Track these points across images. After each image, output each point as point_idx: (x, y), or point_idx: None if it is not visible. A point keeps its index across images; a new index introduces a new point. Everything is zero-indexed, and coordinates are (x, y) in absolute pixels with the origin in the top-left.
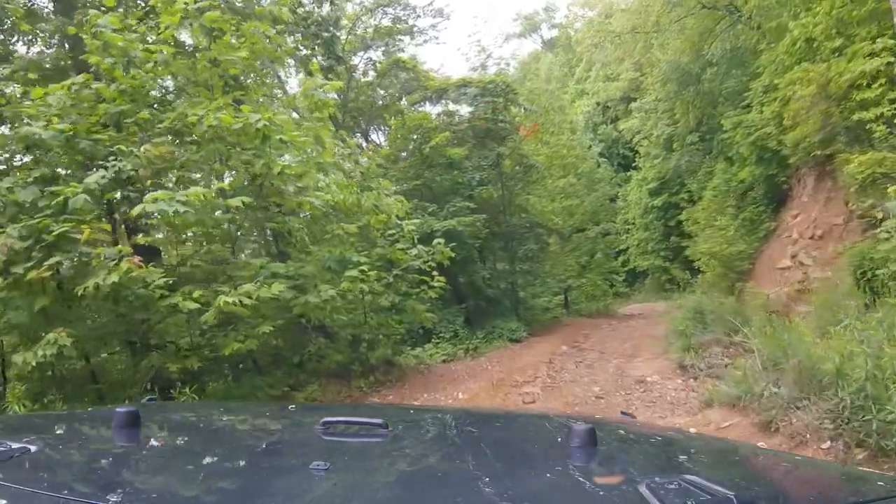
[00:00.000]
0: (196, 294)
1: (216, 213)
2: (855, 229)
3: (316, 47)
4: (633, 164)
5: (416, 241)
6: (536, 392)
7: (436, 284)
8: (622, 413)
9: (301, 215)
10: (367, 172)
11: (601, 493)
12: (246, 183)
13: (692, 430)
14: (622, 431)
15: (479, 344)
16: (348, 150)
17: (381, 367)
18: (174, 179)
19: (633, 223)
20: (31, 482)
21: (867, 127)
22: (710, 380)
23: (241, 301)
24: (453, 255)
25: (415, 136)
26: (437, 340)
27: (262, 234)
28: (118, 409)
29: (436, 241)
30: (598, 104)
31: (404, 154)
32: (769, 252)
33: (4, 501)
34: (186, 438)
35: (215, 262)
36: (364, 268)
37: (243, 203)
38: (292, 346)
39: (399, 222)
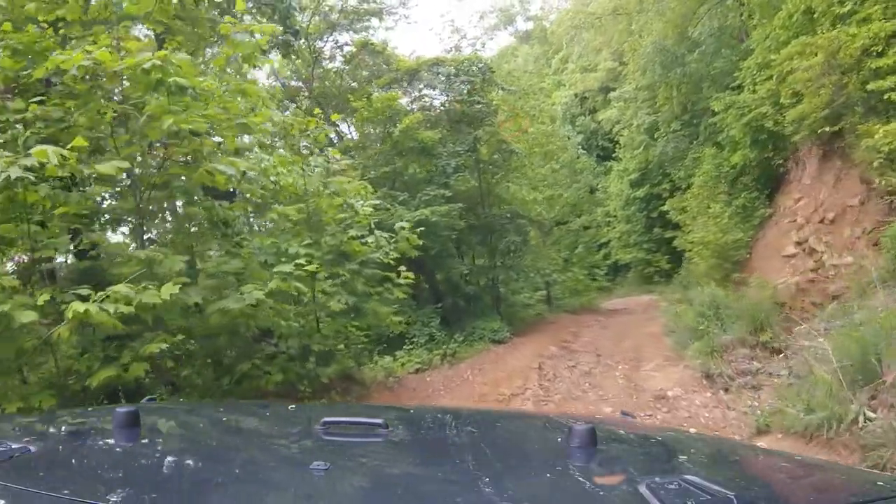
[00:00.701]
0: (40, 299)
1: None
2: (873, 210)
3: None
4: (614, 156)
5: (372, 227)
6: (529, 409)
7: (402, 282)
8: (622, 413)
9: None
10: (313, 144)
11: (601, 493)
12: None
13: (692, 430)
14: (622, 431)
15: (458, 348)
16: (304, 127)
17: (339, 383)
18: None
19: (615, 215)
20: (31, 482)
21: (885, 97)
22: (747, 392)
23: (115, 308)
24: (421, 243)
25: (384, 120)
26: (410, 346)
27: (181, 221)
28: (118, 409)
29: (398, 224)
30: (575, 95)
31: (372, 139)
32: (766, 240)
33: (4, 501)
34: (186, 438)
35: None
36: (302, 261)
37: (126, 173)
38: (239, 360)
39: (352, 203)
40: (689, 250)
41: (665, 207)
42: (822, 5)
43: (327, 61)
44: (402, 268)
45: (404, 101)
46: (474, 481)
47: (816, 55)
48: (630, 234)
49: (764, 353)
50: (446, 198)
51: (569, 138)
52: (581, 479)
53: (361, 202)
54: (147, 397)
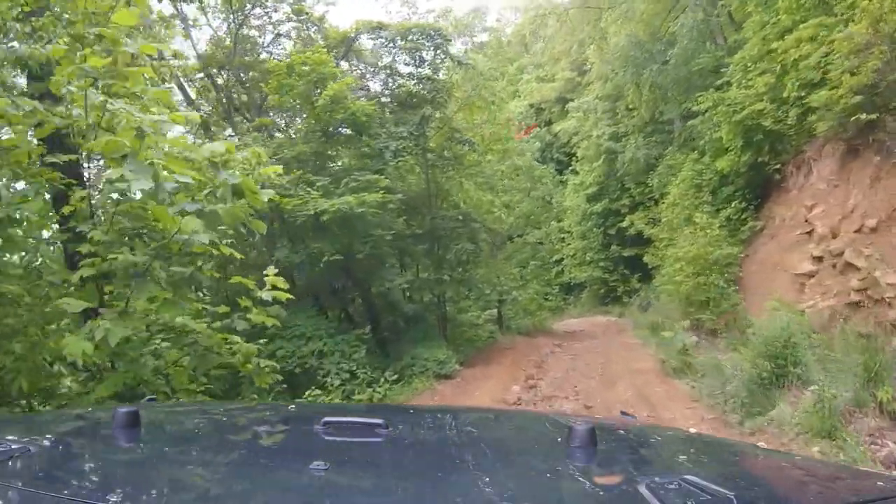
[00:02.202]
0: None
1: None
2: None
3: None
4: (570, 168)
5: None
6: None
7: (266, 294)
8: (622, 413)
9: None
10: None
11: (601, 493)
12: None
13: (692, 430)
14: (622, 431)
15: (390, 390)
16: None
17: None
18: None
19: (569, 231)
20: (31, 482)
21: None
22: None
23: None
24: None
25: (308, 88)
26: (319, 392)
27: None
28: (118, 409)
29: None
30: (531, 106)
31: (293, 115)
32: (760, 255)
33: (4, 501)
34: (186, 438)
35: None
36: None
37: None
38: None
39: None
40: (665, 267)
41: (624, 223)
42: None
43: (255, 31)
44: (272, 270)
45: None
46: (474, 481)
47: (860, 22)
48: (586, 252)
49: (890, 424)
50: (382, 187)
51: (527, 142)
52: (581, 479)
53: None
54: (147, 397)
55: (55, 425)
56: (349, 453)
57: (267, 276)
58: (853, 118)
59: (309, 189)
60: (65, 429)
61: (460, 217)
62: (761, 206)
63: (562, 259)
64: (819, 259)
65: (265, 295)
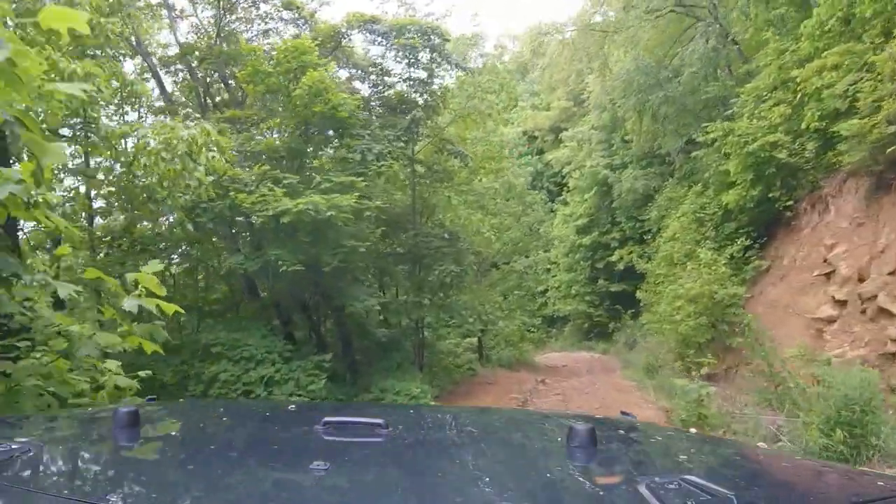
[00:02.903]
0: None
1: None
2: None
3: None
4: (559, 198)
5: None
6: None
7: (130, 305)
8: (622, 413)
9: None
10: None
11: (601, 493)
12: None
13: (692, 430)
14: (622, 431)
15: None
16: None
17: None
18: None
19: (556, 262)
20: (31, 482)
21: None
22: None
23: None
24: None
25: (287, 79)
26: None
27: None
28: (118, 409)
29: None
30: (524, 133)
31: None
32: (768, 297)
33: (4, 501)
34: (186, 438)
35: None
36: None
37: None
38: None
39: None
40: (661, 304)
41: (614, 258)
42: (869, 8)
43: (241, 24)
44: (152, 266)
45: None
46: (474, 481)
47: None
48: (571, 284)
49: None
50: (358, 190)
51: (520, 167)
52: (581, 479)
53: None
54: (147, 397)
55: (55, 425)
56: (349, 453)
57: (145, 272)
58: (889, 150)
59: (273, 187)
60: (65, 429)
61: (446, 236)
62: (767, 244)
63: (546, 290)
64: (842, 303)
65: (127, 304)
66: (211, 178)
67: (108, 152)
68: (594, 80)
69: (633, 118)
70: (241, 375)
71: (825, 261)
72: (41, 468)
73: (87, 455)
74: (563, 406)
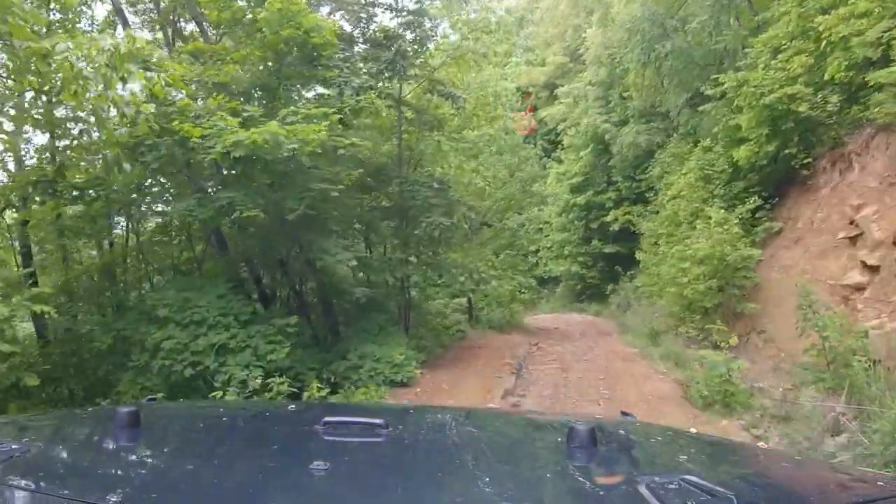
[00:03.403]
0: None
1: None
2: None
3: None
4: (553, 156)
5: None
6: None
7: None
8: (622, 413)
9: None
10: None
11: (601, 493)
12: None
13: (692, 430)
14: (622, 431)
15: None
16: None
17: None
18: None
19: (549, 222)
20: (31, 482)
21: None
22: None
23: None
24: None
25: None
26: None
27: None
28: (118, 409)
29: None
30: (518, 89)
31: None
32: (784, 261)
33: (4, 501)
34: (186, 438)
35: None
36: None
37: None
38: None
39: None
40: (663, 266)
41: (608, 218)
42: None
43: None
44: None
45: None
46: (474, 481)
47: None
48: (564, 245)
49: None
50: (331, 123)
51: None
52: (581, 479)
53: None
54: (147, 397)
55: (55, 425)
56: (349, 453)
57: None
58: None
59: (225, 116)
60: (65, 429)
61: (435, 185)
62: (778, 205)
63: (538, 250)
64: (874, 269)
65: None
66: (153, 108)
67: (32, 79)
68: (592, 33)
69: (636, 71)
70: (189, 343)
71: (852, 222)
72: (41, 468)
73: (87, 455)
74: (562, 375)
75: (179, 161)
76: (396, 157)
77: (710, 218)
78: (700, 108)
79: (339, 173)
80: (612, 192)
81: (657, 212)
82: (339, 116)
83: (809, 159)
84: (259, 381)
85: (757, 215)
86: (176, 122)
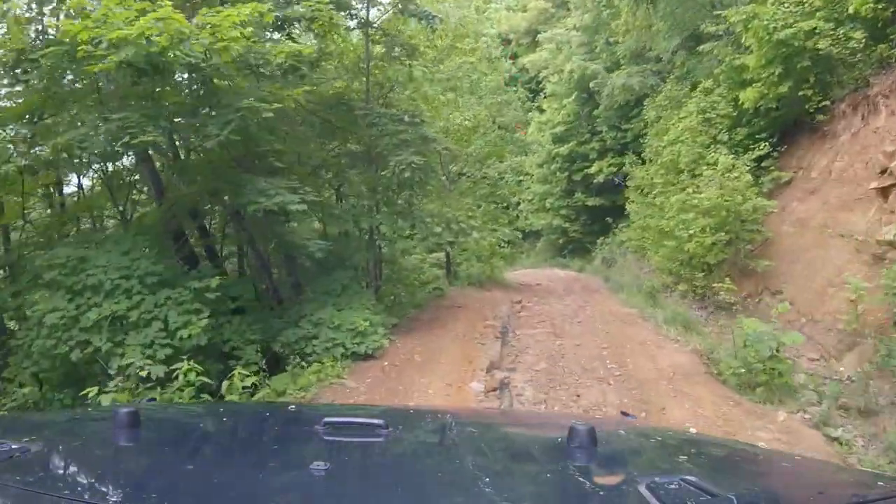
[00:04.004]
0: None
1: None
2: None
3: None
4: (536, 105)
5: None
6: None
7: None
8: (622, 413)
9: None
10: None
11: (601, 493)
12: None
13: (692, 430)
14: (622, 431)
15: (266, 384)
16: None
17: None
18: None
19: (530, 174)
20: (31, 482)
21: None
22: None
23: None
24: None
25: None
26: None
27: None
28: (118, 409)
29: None
30: (498, 35)
31: None
32: (799, 214)
33: (4, 501)
34: (186, 438)
35: None
36: None
37: None
38: None
39: None
40: (660, 219)
41: (592, 169)
42: None
43: None
44: None
45: None
46: (474, 481)
47: None
48: (545, 197)
49: None
50: (265, 19)
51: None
52: (581, 479)
53: None
54: (147, 398)
55: (55, 425)
56: (349, 453)
57: None
58: None
59: (113, 9)
60: (65, 429)
61: (406, 118)
62: (786, 154)
63: (518, 203)
64: None
65: None
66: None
67: None
68: None
69: (629, 9)
70: (79, 316)
71: (884, 172)
72: (41, 468)
73: (86, 455)
74: (555, 341)
75: (75, 76)
76: (365, 92)
77: (715, 164)
78: (699, 48)
79: (281, 92)
80: (597, 143)
81: (650, 160)
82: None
83: (827, 102)
84: (163, 367)
85: (763, 164)
86: (62, 23)
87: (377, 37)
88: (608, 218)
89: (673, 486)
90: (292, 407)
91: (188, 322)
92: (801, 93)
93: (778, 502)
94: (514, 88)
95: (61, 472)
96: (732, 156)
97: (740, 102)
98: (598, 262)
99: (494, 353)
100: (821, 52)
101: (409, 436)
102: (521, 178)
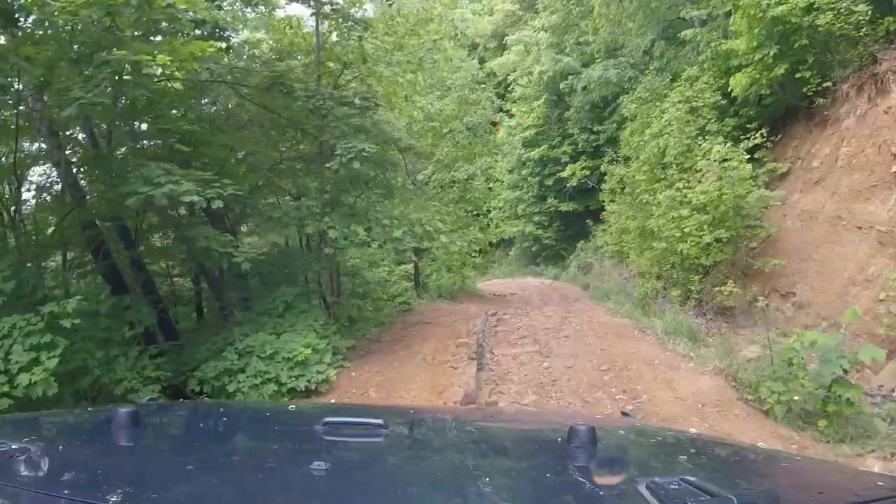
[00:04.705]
0: None
1: None
2: None
3: None
4: (505, 110)
5: None
6: None
7: None
8: (622, 413)
9: None
10: None
11: (601, 493)
12: None
13: (692, 430)
14: (622, 431)
15: None
16: None
17: None
18: None
19: (500, 180)
20: (31, 482)
21: None
22: None
23: None
24: None
25: None
26: None
27: None
28: (118, 409)
29: None
30: (464, 34)
31: None
32: (804, 206)
33: (4, 501)
34: (186, 438)
35: None
36: None
37: None
38: None
39: None
40: (660, 216)
41: (565, 173)
42: None
43: None
44: None
45: None
46: (474, 481)
47: None
48: (517, 203)
49: None
50: None
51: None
52: (581, 479)
53: None
54: (147, 397)
55: (55, 425)
56: (349, 453)
57: None
58: None
59: None
60: (65, 429)
61: (357, 101)
62: (780, 144)
63: (489, 211)
64: None
65: None
66: None
67: None
68: None
69: (600, 4)
70: None
71: None
72: (41, 468)
73: (86, 455)
74: (542, 364)
75: None
76: (315, 78)
77: (708, 154)
78: (680, 35)
79: (183, 49)
80: (569, 146)
81: (629, 158)
82: None
83: (829, 83)
84: None
85: (756, 156)
86: None
87: (326, 10)
88: (588, 220)
89: (673, 486)
90: (292, 407)
91: (37, 361)
92: (798, 75)
93: (778, 502)
94: (483, 86)
95: (61, 472)
96: (730, 143)
97: (730, 90)
98: (574, 268)
99: (469, 382)
100: (820, 29)
101: (409, 436)
102: (491, 184)
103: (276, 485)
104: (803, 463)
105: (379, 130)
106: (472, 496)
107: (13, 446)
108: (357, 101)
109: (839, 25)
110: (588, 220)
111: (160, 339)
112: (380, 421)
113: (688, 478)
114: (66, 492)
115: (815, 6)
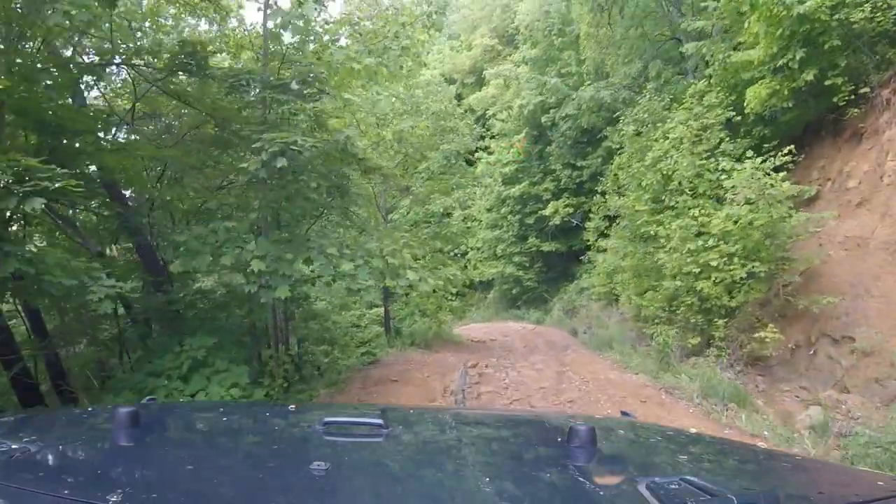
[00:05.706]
0: None
1: None
2: None
3: None
4: (483, 147)
5: None
6: None
7: None
8: (622, 413)
9: None
10: None
11: (601, 493)
12: None
13: (692, 430)
14: (622, 431)
15: None
16: None
17: None
18: None
19: (478, 219)
20: (31, 482)
21: None
22: None
23: None
24: None
25: None
26: None
27: None
28: (118, 409)
29: None
30: (442, 76)
31: None
32: (848, 232)
33: (4, 501)
34: (186, 438)
35: None
36: None
37: None
38: None
39: None
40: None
41: (547, 211)
42: None
43: None
44: None
45: None
46: (474, 481)
47: None
48: (497, 243)
49: None
50: None
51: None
52: (581, 479)
53: None
54: (147, 397)
55: (55, 425)
56: (349, 453)
57: None
58: None
59: None
60: (65, 429)
61: (294, 85)
62: (803, 165)
63: (465, 252)
64: None
65: None
66: None
67: None
68: (526, 5)
69: (589, 20)
70: None
71: None
72: (41, 468)
73: (87, 455)
74: None
75: None
76: (262, 83)
77: (731, 174)
78: (681, 50)
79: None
80: (550, 183)
81: (621, 189)
82: None
83: (867, 89)
84: None
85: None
86: None
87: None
88: (580, 258)
89: (673, 486)
90: (292, 407)
91: None
92: (827, 82)
93: (778, 502)
94: (463, 112)
95: (61, 472)
96: (760, 158)
97: (746, 103)
98: (558, 311)
99: None
100: (854, 26)
101: (408, 436)
102: (469, 224)
103: (276, 485)
104: (803, 463)
105: (318, 120)
106: (473, 496)
107: (13, 446)
108: (294, 84)
109: (880, 20)
110: (578, 258)
111: None
112: (379, 421)
113: (688, 477)
114: (65, 492)
115: (845, 2)
